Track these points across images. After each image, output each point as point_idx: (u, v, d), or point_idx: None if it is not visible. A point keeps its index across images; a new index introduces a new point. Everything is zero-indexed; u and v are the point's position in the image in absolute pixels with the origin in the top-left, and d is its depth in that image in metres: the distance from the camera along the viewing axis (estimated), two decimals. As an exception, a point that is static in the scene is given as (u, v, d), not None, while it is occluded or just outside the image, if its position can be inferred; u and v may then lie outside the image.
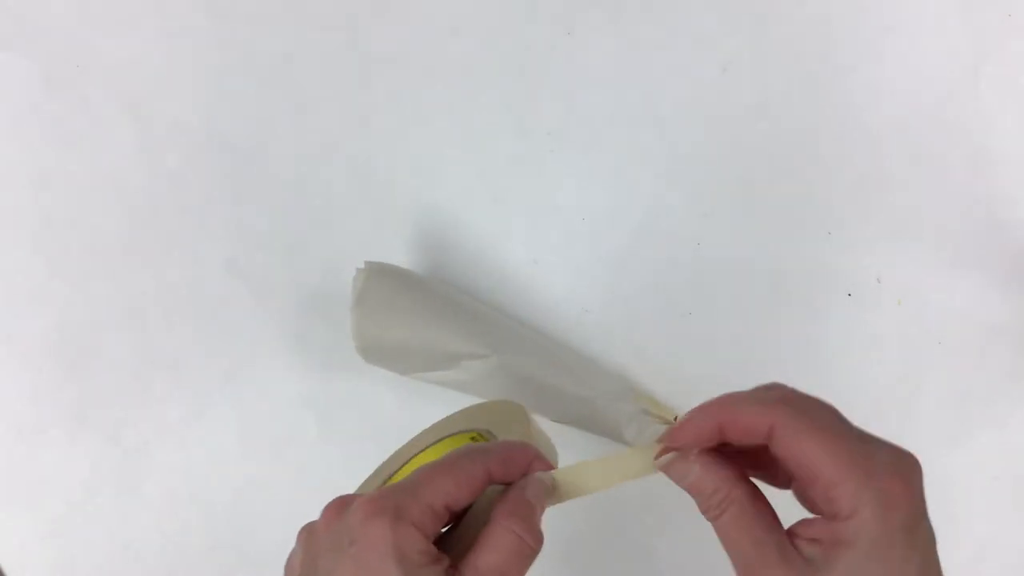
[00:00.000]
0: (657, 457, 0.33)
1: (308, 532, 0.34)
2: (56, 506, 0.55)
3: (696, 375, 0.57)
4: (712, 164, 0.59)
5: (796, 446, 0.30)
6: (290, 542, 0.35)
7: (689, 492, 0.33)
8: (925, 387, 0.59)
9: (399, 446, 0.45)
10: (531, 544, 0.32)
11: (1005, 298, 0.60)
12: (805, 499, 0.32)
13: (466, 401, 0.52)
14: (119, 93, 0.58)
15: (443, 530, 0.33)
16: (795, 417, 0.30)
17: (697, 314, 0.57)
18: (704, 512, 0.32)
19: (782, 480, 0.33)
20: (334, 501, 0.34)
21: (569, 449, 0.39)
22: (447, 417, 0.43)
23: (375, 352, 0.50)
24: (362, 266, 0.51)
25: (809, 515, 0.32)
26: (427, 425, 0.44)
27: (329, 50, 0.59)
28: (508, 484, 0.33)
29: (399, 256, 0.58)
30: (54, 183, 0.57)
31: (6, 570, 0.55)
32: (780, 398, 0.31)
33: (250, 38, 0.58)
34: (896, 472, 0.29)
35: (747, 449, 0.33)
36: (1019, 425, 0.59)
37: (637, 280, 0.58)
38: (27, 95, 0.57)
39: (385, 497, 0.31)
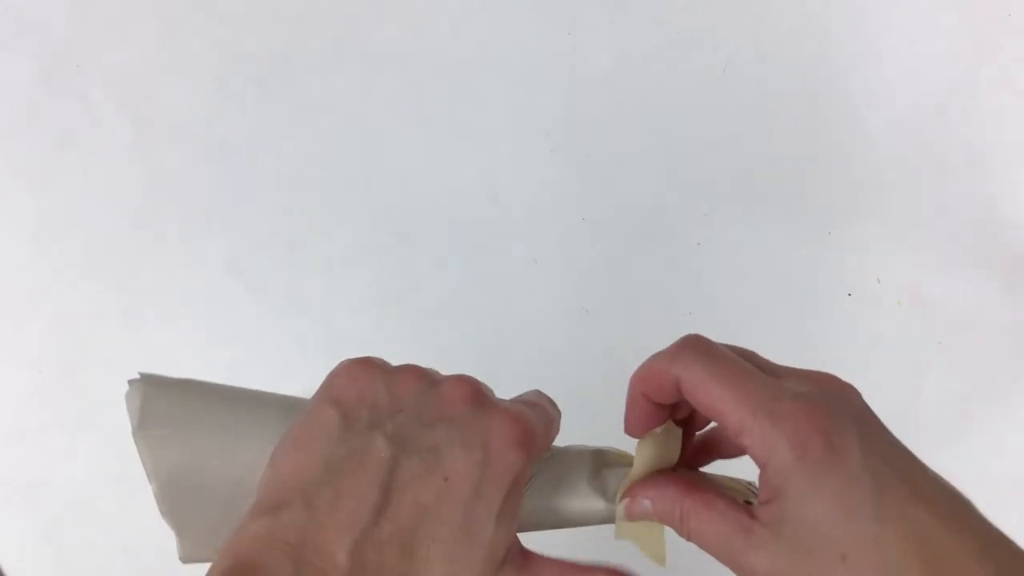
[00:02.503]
0: (618, 508, 0.34)
1: (387, 380, 0.31)
2: (56, 506, 0.55)
3: (696, 375, 0.57)
4: (712, 164, 0.59)
5: (702, 393, 0.29)
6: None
7: (663, 523, 0.33)
8: (925, 387, 0.59)
9: None
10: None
11: (1005, 298, 0.60)
12: None
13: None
14: (119, 93, 0.57)
15: None
16: (698, 363, 0.29)
17: (697, 314, 0.57)
18: (681, 535, 0.32)
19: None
20: (411, 369, 0.32)
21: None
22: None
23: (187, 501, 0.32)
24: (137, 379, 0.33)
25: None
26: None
27: (329, 50, 0.59)
28: None
29: (394, 255, 0.58)
30: (54, 183, 0.57)
31: (6, 570, 0.55)
32: (684, 345, 0.30)
33: (250, 38, 0.58)
34: (799, 400, 0.27)
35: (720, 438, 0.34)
36: (1019, 425, 0.59)
37: (637, 280, 0.58)
38: (27, 95, 0.57)
39: (527, 430, 0.31)
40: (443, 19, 0.59)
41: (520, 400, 0.34)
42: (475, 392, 0.31)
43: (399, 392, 0.31)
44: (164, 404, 0.32)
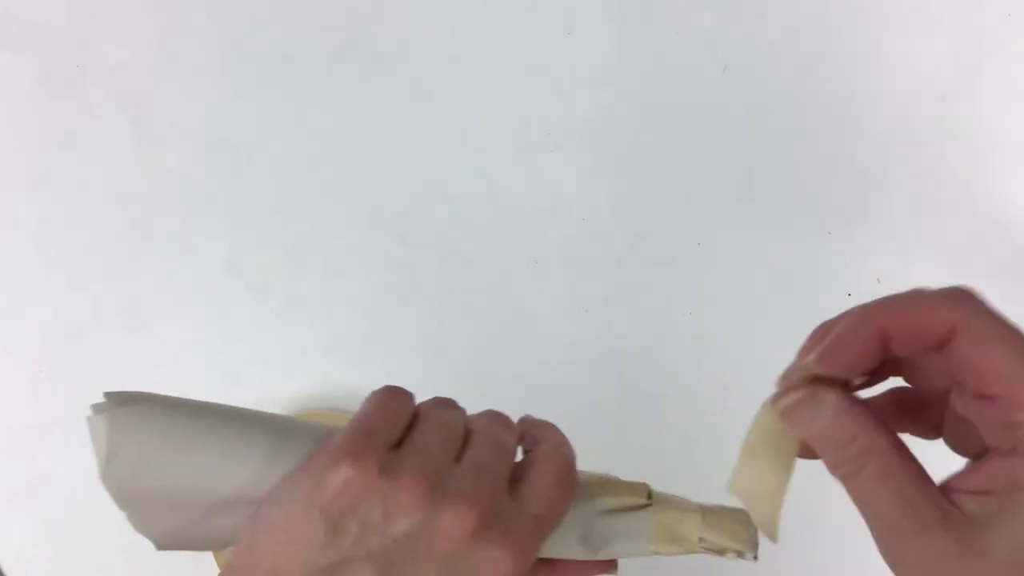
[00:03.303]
0: (777, 399, 0.27)
1: (385, 494, 0.28)
2: (56, 506, 0.55)
3: (696, 375, 0.57)
4: (712, 164, 0.59)
5: (982, 353, 0.24)
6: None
7: (814, 442, 0.26)
8: (925, 387, 0.59)
9: None
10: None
11: (1005, 298, 0.59)
12: (965, 440, 0.27)
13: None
14: (119, 93, 0.58)
15: None
16: (985, 320, 0.24)
17: (697, 314, 0.57)
18: (834, 468, 0.25)
19: (931, 427, 0.27)
20: (415, 482, 0.28)
21: None
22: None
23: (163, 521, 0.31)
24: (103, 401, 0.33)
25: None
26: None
27: (329, 50, 0.59)
28: None
29: (394, 255, 0.58)
30: (54, 183, 0.57)
31: (6, 570, 0.55)
32: (964, 292, 0.25)
33: (250, 38, 0.58)
34: None
35: (884, 402, 0.29)
36: (1019, 425, 0.59)
37: (637, 280, 0.58)
38: (27, 95, 0.57)
39: (527, 562, 0.29)
40: (443, 19, 0.59)
41: (541, 495, 0.30)
42: (478, 527, 0.28)
43: (395, 511, 0.28)
44: (135, 435, 0.30)
